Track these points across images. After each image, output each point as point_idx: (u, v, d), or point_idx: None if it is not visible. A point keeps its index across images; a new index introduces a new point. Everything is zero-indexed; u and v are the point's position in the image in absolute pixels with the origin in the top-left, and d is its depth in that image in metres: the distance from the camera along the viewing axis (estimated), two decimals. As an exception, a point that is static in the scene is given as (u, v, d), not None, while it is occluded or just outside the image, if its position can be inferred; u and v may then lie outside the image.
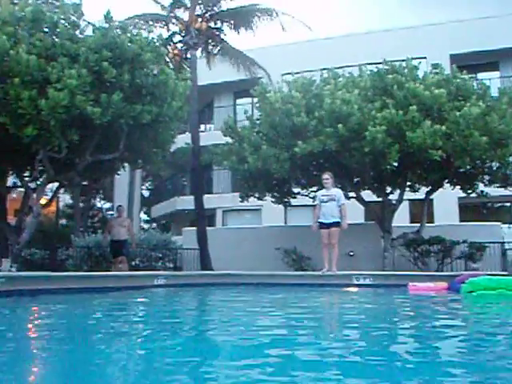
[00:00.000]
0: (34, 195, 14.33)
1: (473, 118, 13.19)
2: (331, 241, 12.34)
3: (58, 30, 11.72)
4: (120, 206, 16.88)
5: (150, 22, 18.79)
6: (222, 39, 19.73)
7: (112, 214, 31.74)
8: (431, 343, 4.31)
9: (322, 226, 12.55)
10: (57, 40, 11.68)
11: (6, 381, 2.82)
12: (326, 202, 12.51)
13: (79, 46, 11.66)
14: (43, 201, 14.78)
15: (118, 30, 12.27)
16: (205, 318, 6.49)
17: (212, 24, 19.39)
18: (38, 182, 14.50)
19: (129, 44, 12.04)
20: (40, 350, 4.03)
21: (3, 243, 15.73)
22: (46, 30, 11.79)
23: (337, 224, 12.39)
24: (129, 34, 12.36)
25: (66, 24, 12.06)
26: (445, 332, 5.06)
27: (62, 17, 12.12)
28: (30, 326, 5.62)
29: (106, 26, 12.28)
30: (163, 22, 19.34)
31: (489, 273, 11.60)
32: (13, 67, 10.94)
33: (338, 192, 12.75)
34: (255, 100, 17.93)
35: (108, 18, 12.44)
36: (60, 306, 7.63)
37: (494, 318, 6.46)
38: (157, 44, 13.07)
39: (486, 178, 15.69)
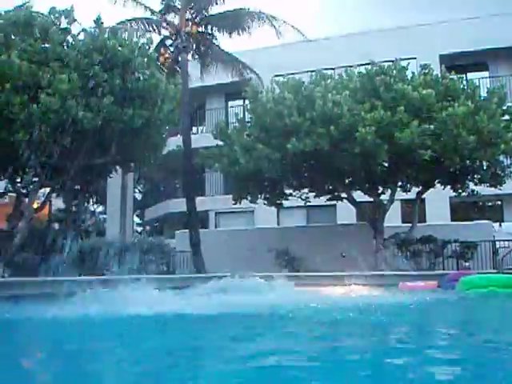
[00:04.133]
0: (26, 200, 14.33)
1: (460, 118, 13.31)
2: None
3: (49, 35, 11.74)
4: None
5: (141, 27, 18.81)
6: (213, 42, 19.79)
7: (105, 218, 31.72)
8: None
9: None
10: (48, 45, 11.71)
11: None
12: None
13: (70, 50, 11.70)
14: (35, 205, 14.76)
15: (108, 35, 12.30)
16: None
17: (202, 28, 19.44)
18: (30, 187, 14.50)
19: (119, 48, 12.08)
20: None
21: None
22: (38, 35, 11.82)
23: None
24: (119, 39, 12.40)
25: (57, 29, 12.09)
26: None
27: (54, 22, 12.15)
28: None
29: (97, 30, 12.32)
30: (154, 27, 19.37)
31: (478, 271, 11.75)
32: (4, 72, 10.97)
33: None
34: (247, 102, 18.00)
35: (98, 22, 12.48)
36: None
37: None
38: (147, 48, 13.11)
39: (476, 177, 15.81)
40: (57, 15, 12.39)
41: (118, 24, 17.53)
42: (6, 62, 10.90)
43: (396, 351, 4.17)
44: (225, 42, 25.63)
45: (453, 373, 3.37)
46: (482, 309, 7.75)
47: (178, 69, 19.31)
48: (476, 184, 15.97)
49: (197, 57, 20.12)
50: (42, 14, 12.60)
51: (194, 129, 27.07)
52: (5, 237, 13.70)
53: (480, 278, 9.79)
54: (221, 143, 17.01)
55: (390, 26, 24.28)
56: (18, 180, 15.15)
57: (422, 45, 22.70)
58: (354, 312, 6.95)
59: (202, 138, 22.96)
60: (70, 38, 12.40)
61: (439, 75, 15.07)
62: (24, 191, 14.60)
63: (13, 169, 14.73)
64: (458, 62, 21.80)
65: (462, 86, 14.93)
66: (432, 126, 13.29)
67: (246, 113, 17.57)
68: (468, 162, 14.67)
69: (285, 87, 14.97)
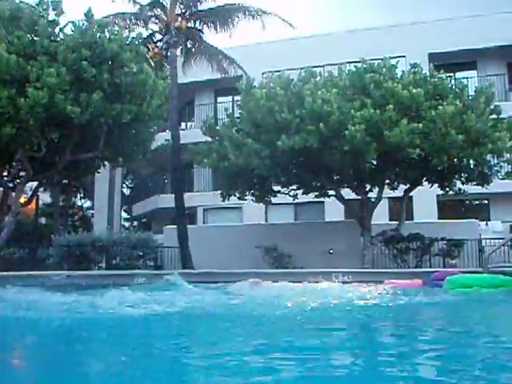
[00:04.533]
0: (13, 194, 14.26)
1: (449, 117, 13.38)
2: None
3: (37, 27, 11.65)
4: None
5: (130, 22, 18.69)
6: (202, 38, 19.72)
7: (93, 213, 31.61)
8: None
9: None
10: (36, 38, 11.62)
11: None
12: None
13: (58, 44, 11.62)
14: (22, 200, 14.69)
15: (96, 30, 12.22)
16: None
17: (191, 23, 19.37)
18: (17, 181, 14.41)
19: (108, 43, 12.02)
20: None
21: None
22: (25, 27, 11.72)
23: None
24: (108, 33, 12.33)
25: (46, 22, 12.00)
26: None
27: (42, 14, 12.06)
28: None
29: (86, 24, 12.24)
30: (142, 21, 19.26)
31: (464, 269, 11.83)
32: (-9, 66, 10.88)
33: None
34: (236, 98, 17.93)
35: (88, 16, 12.40)
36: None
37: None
38: (136, 43, 13.05)
39: (464, 175, 15.90)
40: (44, 7, 12.29)
41: (105, 17, 17.39)
42: (-7, 55, 10.80)
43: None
44: (214, 37, 25.61)
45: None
46: (466, 309, 7.83)
47: (167, 64, 19.24)
48: (463, 183, 16.05)
49: (186, 52, 20.06)
50: (30, 4, 12.50)
51: (183, 124, 27.01)
52: (-9, 231, 13.62)
53: (465, 278, 9.87)
54: (210, 139, 16.98)
55: (379, 24, 24.22)
56: (5, 174, 15.07)
57: (411, 43, 22.78)
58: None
59: (191, 133, 22.90)
60: (58, 31, 12.30)
61: (428, 74, 15.11)
62: (11, 185, 14.52)
63: (-1, 162, 14.66)
64: (446, 61, 21.87)
65: (450, 85, 15.00)
66: (421, 125, 13.33)
67: (236, 109, 17.51)
68: (456, 160, 14.74)
69: (276, 83, 14.96)
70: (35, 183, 16.19)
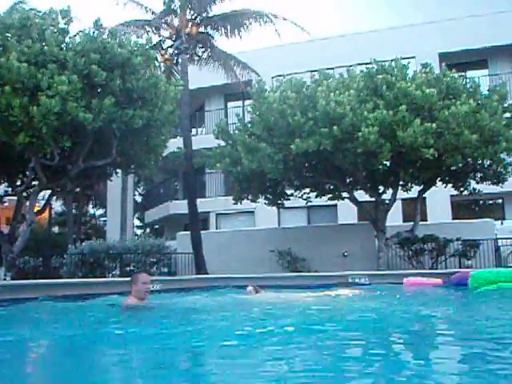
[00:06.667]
0: (27, 203, 14.29)
1: (462, 116, 13.26)
2: None
3: (46, 36, 11.67)
4: None
5: (141, 29, 18.73)
6: (212, 43, 19.73)
7: (105, 221, 31.67)
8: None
9: None
10: (46, 47, 11.63)
11: None
12: None
13: (68, 51, 11.62)
14: (36, 208, 14.71)
15: (107, 36, 12.24)
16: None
17: (202, 28, 19.38)
18: (31, 190, 14.44)
19: (119, 49, 12.02)
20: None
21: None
22: (35, 36, 11.74)
23: None
24: (118, 40, 12.33)
25: (55, 30, 12.02)
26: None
27: (51, 23, 12.07)
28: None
29: (95, 32, 12.25)
30: (153, 28, 19.32)
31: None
32: (3, 75, 10.88)
33: None
34: (247, 102, 17.89)
35: (97, 25, 12.42)
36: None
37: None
38: (147, 47, 13.04)
39: (478, 175, 15.78)
40: (54, 16, 12.31)
41: (117, 26, 17.48)
42: (4, 64, 10.82)
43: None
44: (224, 42, 25.62)
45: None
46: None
47: (178, 70, 19.28)
48: (478, 182, 15.92)
49: (196, 58, 20.08)
50: (40, 12, 12.51)
51: (194, 130, 27.05)
52: (6, 240, 13.64)
53: (489, 272, 9.72)
54: (222, 143, 16.96)
55: (388, 25, 24.13)
56: (18, 183, 15.11)
57: (421, 43, 22.71)
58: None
59: (202, 139, 22.95)
60: (67, 39, 12.32)
61: (440, 73, 15.01)
62: (24, 194, 14.55)
63: (13, 172, 14.70)
64: (457, 60, 21.80)
65: (463, 84, 14.88)
66: (434, 125, 13.22)
67: (247, 113, 17.49)
68: (470, 160, 14.62)
69: (287, 86, 14.92)
70: (48, 192, 16.23)
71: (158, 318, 6.39)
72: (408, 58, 18.32)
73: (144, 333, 5.09)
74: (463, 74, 19.48)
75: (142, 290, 6.48)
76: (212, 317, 6.57)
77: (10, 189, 15.35)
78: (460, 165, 14.71)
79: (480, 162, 15.11)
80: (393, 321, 5.90)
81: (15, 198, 14.86)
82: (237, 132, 16.59)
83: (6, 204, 18.24)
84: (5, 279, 12.62)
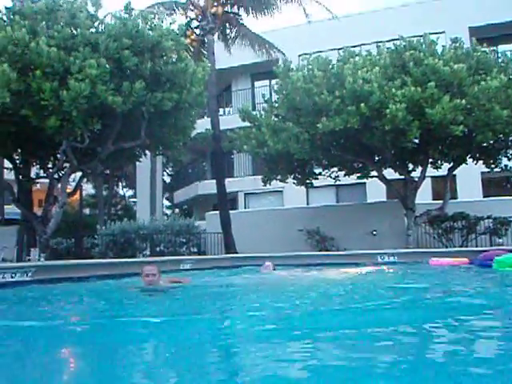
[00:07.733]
0: (59, 185, 14.54)
1: (493, 92, 13.03)
2: None
3: (77, 20, 11.79)
4: None
5: (169, 10, 18.71)
6: (239, 22, 19.65)
7: (135, 202, 32.01)
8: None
9: None
10: (76, 31, 11.76)
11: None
12: None
13: (99, 34, 11.74)
14: (67, 190, 14.97)
15: (138, 20, 12.32)
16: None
17: (228, 8, 19.30)
18: (62, 172, 14.69)
19: (149, 32, 12.11)
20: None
21: (31, 234, 16.02)
22: (64, 21, 11.86)
23: None
24: (149, 23, 12.42)
25: (85, 14, 12.12)
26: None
27: (79, 8, 12.17)
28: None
29: (126, 15, 12.35)
30: (181, 9, 19.31)
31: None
32: (34, 60, 11.05)
33: None
34: (273, 82, 17.80)
35: (127, 8, 12.51)
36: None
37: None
38: (177, 32, 13.10)
39: (510, 151, 15.54)
40: (83, 3, 12.43)
41: (148, 8, 17.55)
42: (34, 49, 10.96)
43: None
44: (250, 22, 25.40)
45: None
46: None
47: (205, 51, 19.27)
48: (509, 159, 15.68)
49: (223, 37, 20.04)
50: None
51: (221, 110, 27.06)
52: (39, 222, 13.94)
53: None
54: (248, 124, 16.98)
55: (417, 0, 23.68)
56: (50, 166, 15.37)
57: (451, 18, 22.25)
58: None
59: (230, 119, 22.94)
60: (98, 24, 12.43)
61: (470, 48, 14.73)
62: (56, 176, 14.80)
63: (44, 155, 14.95)
64: (488, 34, 21.31)
65: (494, 59, 14.59)
66: (464, 101, 13.03)
67: (273, 93, 17.43)
68: (501, 136, 14.40)
69: (314, 65, 14.82)
70: (79, 174, 16.49)
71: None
72: (437, 33, 17.99)
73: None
74: (494, 48, 19.10)
75: (144, 280, 7.26)
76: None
77: (42, 171, 15.62)
78: (491, 141, 14.51)
79: (511, 138, 14.88)
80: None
81: (47, 180, 15.11)
82: (262, 113, 16.57)
83: (39, 187, 18.55)
84: (39, 260, 12.92)
